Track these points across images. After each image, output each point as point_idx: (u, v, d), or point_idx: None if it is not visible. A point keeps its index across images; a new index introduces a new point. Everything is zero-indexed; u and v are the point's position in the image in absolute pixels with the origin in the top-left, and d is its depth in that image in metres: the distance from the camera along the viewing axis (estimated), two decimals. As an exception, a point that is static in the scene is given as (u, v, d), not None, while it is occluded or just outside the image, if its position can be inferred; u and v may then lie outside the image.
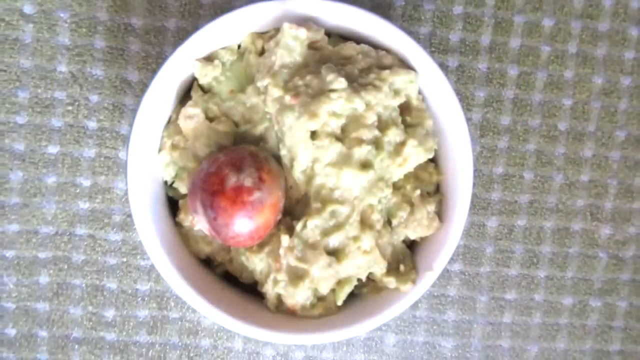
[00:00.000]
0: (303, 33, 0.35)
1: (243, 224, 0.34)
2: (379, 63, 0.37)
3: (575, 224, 0.47)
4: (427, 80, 0.37)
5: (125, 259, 0.44)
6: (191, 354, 0.45)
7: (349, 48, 0.37)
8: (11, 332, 0.44)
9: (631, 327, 0.48)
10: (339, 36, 0.38)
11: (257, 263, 0.37)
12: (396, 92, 0.36)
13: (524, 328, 0.47)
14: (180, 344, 0.45)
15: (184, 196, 0.39)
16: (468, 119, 0.46)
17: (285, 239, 0.35)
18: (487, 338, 0.47)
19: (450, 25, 0.46)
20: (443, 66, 0.46)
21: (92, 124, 0.44)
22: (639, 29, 0.47)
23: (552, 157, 0.47)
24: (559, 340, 0.48)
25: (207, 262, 0.40)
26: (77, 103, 0.44)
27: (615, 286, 0.48)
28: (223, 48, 0.37)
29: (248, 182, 0.34)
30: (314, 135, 0.35)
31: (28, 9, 0.43)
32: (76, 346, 0.44)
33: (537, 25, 0.46)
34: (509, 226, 0.47)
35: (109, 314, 0.44)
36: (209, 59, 0.37)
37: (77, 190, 0.44)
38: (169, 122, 0.38)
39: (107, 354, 0.44)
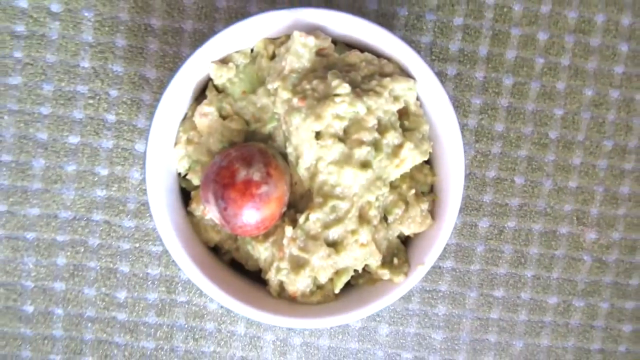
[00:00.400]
0: (312, 41, 0.36)
1: (251, 215, 0.35)
2: (380, 71, 0.37)
3: (562, 227, 0.48)
4: (425, 88, 0.38)
5: (137, 245, 0.45)
6: (196, 336, 0.46)
7: (354, 56, 0.37)
8: (29, 309, 0.45)
9: (612, 327, 0.49)
10: (344, 44, 0.39)
11: (262, 252, 0.38)
12: (396, 98, 0.37)
13: (510, 324, 0.48)
14: (186, 326, 0.46)
15: (196, 187, 0.39)
16: (464, 125, 0.47)
17: (289, 230, 0.36)
18: (475, 332, 0.48)
19: (450, 36, 0.46)
20: (442, 74, 0.46)
21: (111, 117, 0.45)
22: (629, 45, 0.47)
23: (543, 164, 0.48)
24: (543, 337, 0.49)
25: (215, 250, 0.41)
26: (97, 97, 0.44)
27: (598, 288, 0.49)
28: (237, 52, 0.38)
29: (257, 176, 0.34)
30: (318, 135, 0.36)
31: (55, 7, 0.44)
32: (89, 324, 0.45)
33: (532, 39, 0.47)
34: (499, 227, 0.48)
35: (121, 295, 0.45)
36: (224, 61, 0.38)
37: (95, 179, 0.45)
38: (184, 118, 0.39)
39: (117, 332, 0.46)
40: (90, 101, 0.45)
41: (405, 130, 0.38)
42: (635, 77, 0.48)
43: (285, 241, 0.36)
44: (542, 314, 0.48)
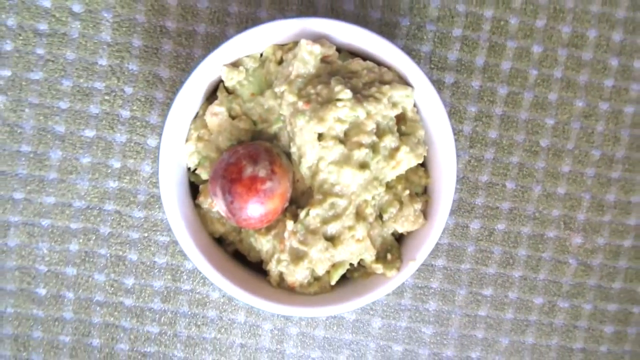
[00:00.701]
0: (317, 48, 0.37)
1: (255, 209, 0.36)
2: (380, 78, 0.38)
3: (550, 231, 0.49)
4: (422, 96, 0.39)
5: (146, 234, 0.47)
6: (198, 323, 0.47)
7: (356, 64, 0.38)
8: (42, 291, 0.46)
9: (594, 328, 0.50)
10: (348, 52, 0.40)
11: (264, 244, 0.39)
12: (394, 104, 0.38)
13: (497, 321, 0.49)
14: (189, 313, 0.47)
15: (204, 182, 0.40)
16: (459, 131, 0.48)
17: (290, 224, 0.37)
18: (463, 328, 0.49)
19: (449, 46, 0.47)
20: (440, 82, 0.47)
21: (126, 113, 0.46)
22: (619, 60, 0.48)
23: (533, 170, 0.48)
24: (528, 335, 0.49)
25: (220, 241, 0.42)
26: (113, 93, 0.46)
27: (582, 290, 0.50)
28: (247, 56, 0.39)
29: (262, 173, 0.35)
30: (320, 137, 0.37)
31: (76, 7, 0.45)
32: (98, 308, 0.47)
33: (527, 51, 0.48)
34: (489, 229, 0.48)
35: (129, 282, 0.47)
36: (235, 65, 0.39)
37: (108, 171, 0.46)
38: (196, 117, 0.40)
39: (124, 317, 0.47)
40: (106, 97, 0.46)
41: (402, 135, 0.39)
42: (624, 90, 0.49)
43: (286, 234, 0.37)
44: (527, 313, 0.49)
